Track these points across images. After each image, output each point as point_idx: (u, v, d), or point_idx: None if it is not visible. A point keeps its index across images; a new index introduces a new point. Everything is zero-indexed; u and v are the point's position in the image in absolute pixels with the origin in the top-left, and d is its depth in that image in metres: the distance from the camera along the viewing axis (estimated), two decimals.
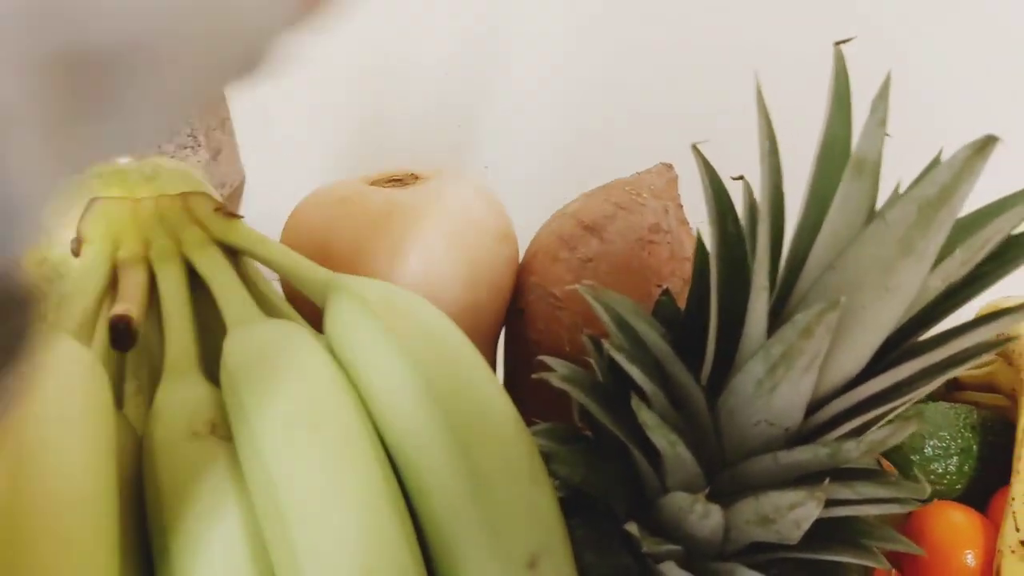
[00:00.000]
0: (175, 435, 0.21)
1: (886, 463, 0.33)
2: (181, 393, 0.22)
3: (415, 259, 0.32)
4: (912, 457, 0.34)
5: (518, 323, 0.36)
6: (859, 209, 0.20)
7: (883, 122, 0.20)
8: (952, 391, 0.39)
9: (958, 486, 0.34)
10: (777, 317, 0.21)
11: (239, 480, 0.21)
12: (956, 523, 0.32)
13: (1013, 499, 0.31)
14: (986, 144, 0.17)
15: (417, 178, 0.36)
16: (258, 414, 0.20)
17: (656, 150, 0.38)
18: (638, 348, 0.23)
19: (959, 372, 0.22)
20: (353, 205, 0.33)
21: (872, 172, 0.20)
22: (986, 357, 0.21)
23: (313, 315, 0.26)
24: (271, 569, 0.20)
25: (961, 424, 0.34)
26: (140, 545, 0.21)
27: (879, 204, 0.20)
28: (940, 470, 0.34)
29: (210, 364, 0.25)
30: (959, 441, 0.34)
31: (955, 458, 0.34)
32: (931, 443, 0.34)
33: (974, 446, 0.34)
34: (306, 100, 0.64)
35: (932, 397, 0.36)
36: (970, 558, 0.31)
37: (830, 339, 0.19)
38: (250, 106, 0.67)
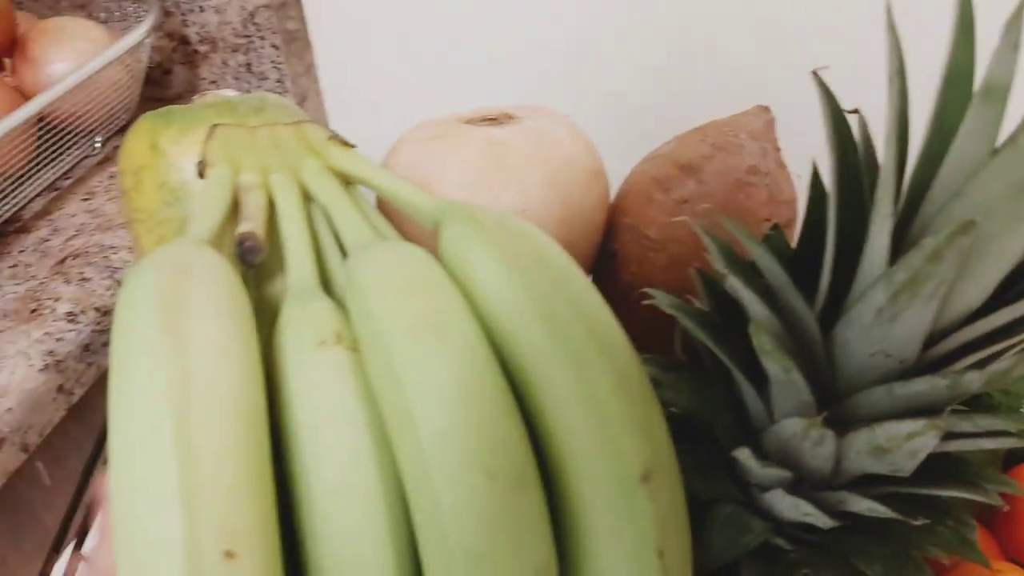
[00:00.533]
0: (304, 343, 0.22)
1: None
2: (306, 306, 0.23)
3: (512, 197, 0.32)
4: None
5: (610, 264, 0.36)
6: (987, 136, 0.20)
7: (1016, 46, 0.19)
8: None
9: None
10: (899, 247, 0.21)
11: (364, 383, 0.22)
12: None
13: None
14: None
15: (511, 117, 0.36)
16: (387, 321, 0.21)
17: (741, 96, 0.38)
18: (750, 277, 0.23)
19: None
20: (451, 142, 0.33)
21: (1001, 98, 0.20)
22: None
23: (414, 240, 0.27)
24: (394, 466, 0.21)
25: None
26: (272, 445, 0.22)
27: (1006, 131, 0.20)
28: None
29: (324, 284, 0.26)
30: None
31: None
32: None
33: None
34: (386, 46, 0.64)
35: None
36: None
37: (958, 265, 0.19)
38: (334, 53, 0.68)
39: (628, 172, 0.38)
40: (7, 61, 0.56)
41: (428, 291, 0.22)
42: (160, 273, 0.21)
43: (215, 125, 0.28)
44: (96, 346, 0.45)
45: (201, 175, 0.27)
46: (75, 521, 0.37)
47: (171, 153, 0.30)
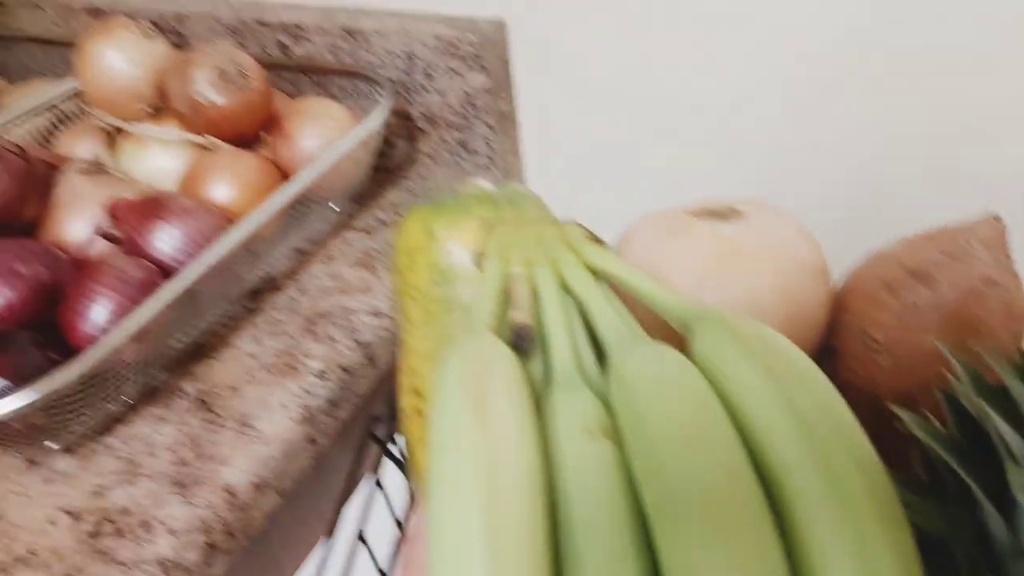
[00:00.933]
0: (573, 431, 0.25)
1: None
2: (573, 395, 0.27)
3: (742, 293, 0.35)
4: None
5: (828, 360, 0.37)
6: None
7: None
8: None
9: None
10: None
11: (626, 475, 0.25)
12: None
13: None
14: None
15: (737, 212, 0.38)
16: (657, 426, 0.24)
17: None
18: (1001, 404, 0.24)
19: None
20: (683, 238, 0.36)
21: None
22: None
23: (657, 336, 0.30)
24: (649, 551, 0.23)
25: None
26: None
27: None
28: None
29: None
30: None
31: None
32: None
33: None
34: (582, 129, 0.68)
35: None
36: None
37: None
38: (536, 133, 0.73)
39: (839, 268, 0.39)
40: (264, 136, 0.64)
41: (694, 400, 0.24)
42: (466, 363, 0.25)
43: (489, 221, 0.32)
44: (339, 401, 0.50)
45: (477, 264, 0.31)
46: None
47: (442, 239, 0.34)
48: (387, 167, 0.74)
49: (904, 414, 0.25)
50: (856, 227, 0.51)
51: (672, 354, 0.26)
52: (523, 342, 0.28)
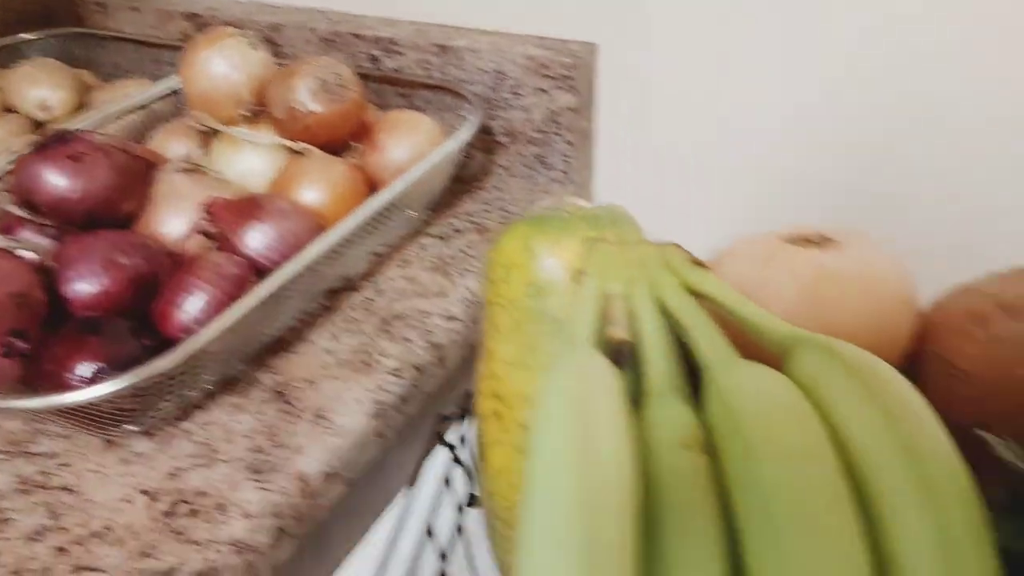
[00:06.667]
0: (669, 443, 0.26)
1: None
2: (669, 410, 0.27)
3: (839, 324, 0.35)
4: None
5: None
6: None
7: None
8: None
9: None
10: None
11: (716, 487, 0.25)
12: None
13: None
14: None
15: (829, 240, 0.38)
16: (760, 443, 0.24)
17: None
18: None
19: None
20: (781, 265, 0.36)
21: None
22: None
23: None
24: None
25: None
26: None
27: None
28: None
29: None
30: None
31: None
32: None
33: None
34: (654, 149, 0.69)
35: None
36: None
37: None
38: (610, 151, 0.74)
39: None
40: (355, 144, 0.66)
41: (795, 417, 0.25)
42: (571, 374, 0.26)
43: (592, 239, 0.33)
44: (409, 399, 0.52)
45: (576, 281, 0.32)
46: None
47: (541, 255, 0.35)
48: (463, 178, 0.76)
49: (989, 437, 0.25)
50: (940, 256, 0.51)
51: (773, 373, 0.26)
52: (622, 358, 0.29)
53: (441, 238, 0.67)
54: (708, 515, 0.25)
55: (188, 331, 0.47)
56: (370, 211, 0.55)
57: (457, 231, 0.68)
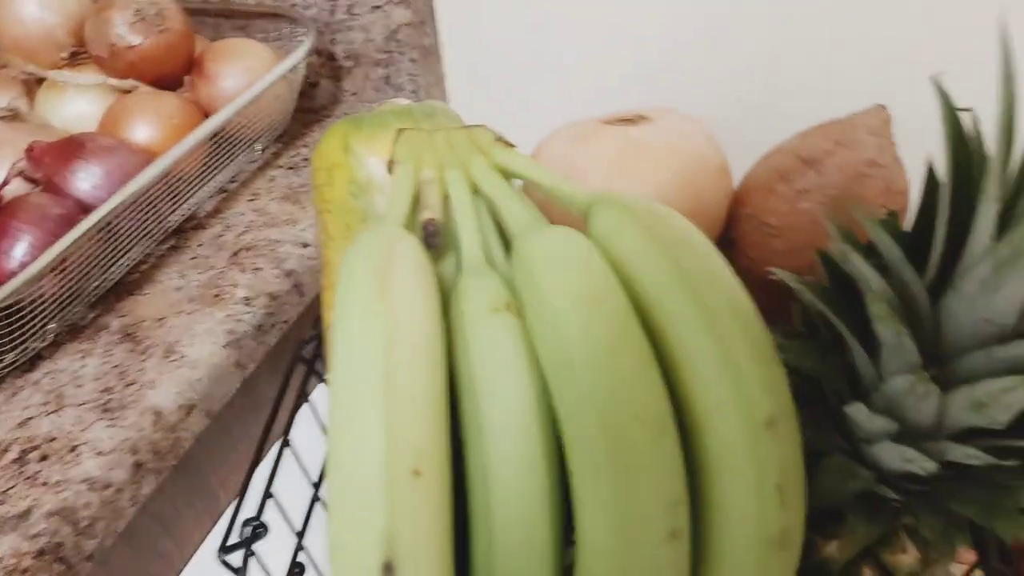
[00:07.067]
0: (480, 309, 0.27)
1: None
2: (481, 279, 0.28)
3: (646, 190, 0.36)
4: None
5: (728, 251, 0.40)
6: None
7: None
8: None
9: None
10: (1003, 228, 0.24)
11: (528, 343, 0.26)
12: None
13: None
14: None
15: (644, 118, 0.40)
16: (552, 292, 0.26)
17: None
18: (868, 256, 0.26)
19: None
20: (592, 141, 0.38)
21: None
22: None
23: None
24: (551, 409, 0.25)
25: None
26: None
27: None
28: None
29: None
30: None
31: None
32: None
33: None
34: (510, 58, 0.69)
35: None
36: None
37: None
38: (461, 64, 0.73)
39: (744, 168, 0.41)
40: (187, 78, 0.64)
41: (585, 267, 0.26)
42: (374, 249, 0.26)
43: (401, 129, 0.33)
44: (267, 327, 0.52)
45: (389, 171, 0.32)
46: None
47: (360, 153, 0.35)
48: (312, 107, 0.74)
49: (782, 273, 0.27)
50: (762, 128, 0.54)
51: (568, 232, 0.28)
52: (432, 238, 0.29)
53: (291, 168, 0.66)
54: (520, 366, 0.26)
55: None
56: (198, 138, 0.53)
57: (307, 160, 0.67)
